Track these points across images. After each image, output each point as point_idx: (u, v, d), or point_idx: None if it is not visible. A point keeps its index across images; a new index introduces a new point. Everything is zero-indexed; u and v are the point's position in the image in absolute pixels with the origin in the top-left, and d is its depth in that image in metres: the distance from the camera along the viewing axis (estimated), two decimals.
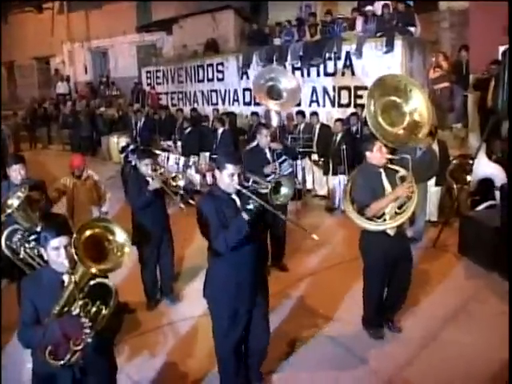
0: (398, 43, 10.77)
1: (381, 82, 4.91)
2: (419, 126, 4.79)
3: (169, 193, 5.71)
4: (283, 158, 6.75)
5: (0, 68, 23.35)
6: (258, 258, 3.99)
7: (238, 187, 3.75)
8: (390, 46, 10.78)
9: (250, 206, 3.64)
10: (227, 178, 3.77)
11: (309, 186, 11.02)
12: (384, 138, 4.68)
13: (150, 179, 5.66)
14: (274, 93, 8.01)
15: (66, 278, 2.95)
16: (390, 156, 4.77)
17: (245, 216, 3.64)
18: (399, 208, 4.70)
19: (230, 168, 3.76)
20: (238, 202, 3.83)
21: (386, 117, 4.78)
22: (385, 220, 4.73)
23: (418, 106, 4.81)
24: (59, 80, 21.96)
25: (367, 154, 4.86)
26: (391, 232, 4.79)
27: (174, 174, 5.98)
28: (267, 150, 6.61)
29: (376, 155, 4.77)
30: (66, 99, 20.40)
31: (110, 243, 2.94)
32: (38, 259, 4.33)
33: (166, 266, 6.11)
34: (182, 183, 5.94)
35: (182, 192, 6.04)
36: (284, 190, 3.97)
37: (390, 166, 4.82)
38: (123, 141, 13.59)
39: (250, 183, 4.03)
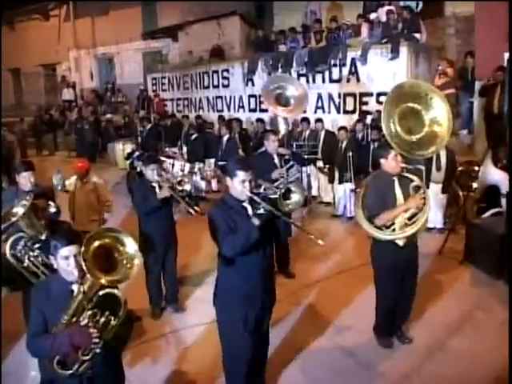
0: (404, 49, 10.81)
1: (400, 89, 4.76)
2: (437, 136, 4.62)
3: (177, 199, 5.67)
4: (291, 163, 6.76)
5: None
6: (267, 265, 3.99)
7: (250, 194, 3.73)
8: (395, 53, 10.81)
9: (261, 211, 3.64)
10: (239, 185, 3.75)
11: (314, 192, 11.00)
12: (399, 147, 4.54)
13: (156, 185, 5.62)
14: (282, 99, 8.06)
15: (75, 287, 2.95)
16: (404, 165, 4.69)
17: (255, 221, 3.61)
18: (409, 219, 4.60)
19: (241, 175, 3.74)
20: (250, 211, 3.78)
21: (404, 124, 4.62)
22: (394, 230, 4.64)
23: (438, 114, 4.62)
24: (65, 87, 22.05)
25: (382, 161, 4.76)
26: (400, 242, 4.70)
27: (179, 178, 5.94)
28: (275, 156, 6.68)
29: (391, 163, 4.67)
30: (71, 106, 20.53)
31: (120, 254, 2.94)
32: (43, 268, 4.32)
33: (171, 273, 6.08)
34: (188, 187, 5.91)
35: (187, 199, 6.02)
36: (295, 197, 3.92)
37: (404, 174, 4.74)
38: (129, 147, 13.66)
39: (261, 190, 4.00)
